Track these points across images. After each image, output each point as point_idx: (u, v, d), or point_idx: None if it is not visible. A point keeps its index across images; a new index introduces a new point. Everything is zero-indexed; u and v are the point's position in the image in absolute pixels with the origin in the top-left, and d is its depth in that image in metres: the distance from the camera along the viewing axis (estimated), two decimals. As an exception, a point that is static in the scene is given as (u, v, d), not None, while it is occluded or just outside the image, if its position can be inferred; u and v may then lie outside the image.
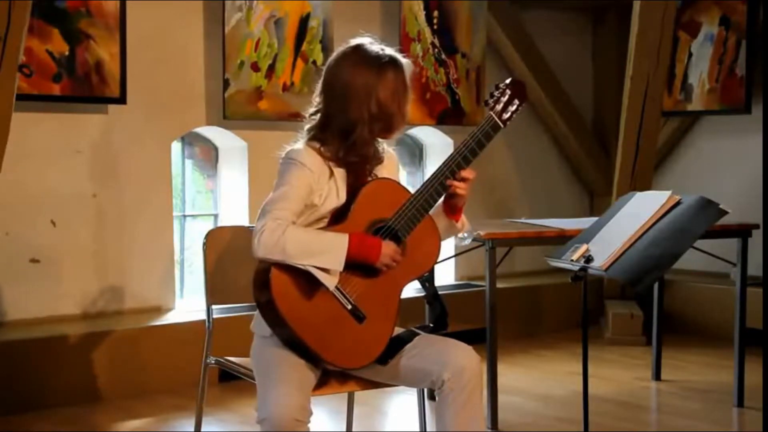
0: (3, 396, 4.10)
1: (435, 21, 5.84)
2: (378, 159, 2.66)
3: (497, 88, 2.67)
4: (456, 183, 2.58)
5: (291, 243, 2.42)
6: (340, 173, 2.58)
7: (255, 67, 5.07)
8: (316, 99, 2.64)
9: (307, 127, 2.64)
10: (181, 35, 4.97)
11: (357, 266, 2.49)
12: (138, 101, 4.77)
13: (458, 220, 2.70)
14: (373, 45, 2.62)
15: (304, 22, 5.26)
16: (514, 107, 2.66)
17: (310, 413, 2.37)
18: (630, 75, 5.63)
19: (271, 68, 5.13)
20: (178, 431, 4.00)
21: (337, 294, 2.48)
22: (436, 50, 5.86)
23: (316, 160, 2.55)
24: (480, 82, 6.07)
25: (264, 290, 2.45)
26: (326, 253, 2.43)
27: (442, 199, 2.65)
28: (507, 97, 2.65)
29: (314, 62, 5.26)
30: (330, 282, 2.44)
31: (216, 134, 5.30)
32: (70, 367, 4.31)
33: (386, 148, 2.73)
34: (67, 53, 4.49)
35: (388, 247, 2.50)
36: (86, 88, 4.56)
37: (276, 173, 2.59)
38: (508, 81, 2.70)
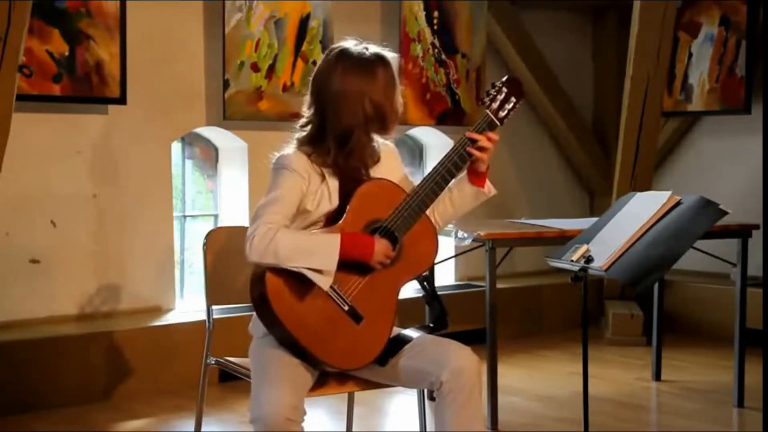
0: (3, 396, 4.10)
1: (435, 21, 5.84)
2: (374, 159, 2.66)
3: (493, 86, 2.68)
4: (474, 151, 2.60)
5: (282, 246, 2.41)
6: (332, 178, 2.57)
7: (255, 68, 5.07)
8: (306, 111, 2.63)
9: (297, 136, 2.62)
10: (181, 35, 4.97)
11: (352, 266, 2.49)
12: (138, 101, 4.77)
13: (483, 185, 2.71)
14: (356, 47, 2.61)
15: (304, 22, 5.26)
16: (511, 105, 2.66)
17: (304, 413, 2.36)
18: (630, 75, 5.63)
19: (271, 68, 5.13)
20: (178, 431, 4.00)
21: (333, 295, 2.47)
22: (436, 50, 5.85)
23: (306, 165, 2.55)
24: (480, 82, 6.07)
25: (259, 292, 2.45)
26: (318, 254, 2.43)
27: (465, 168, 2.67)
28: (503, 95, 2.66)
29: (314, 62, 5.25)
30: (324, 282, 2.43)
31: (216, 134, 5.30)
32: (70, 368, 4.30)
33: (384, 141, 2.72)
34: (67, 53, 4.49)
35: (380, 245, 2.50)
36: (86, 89, 4.56)
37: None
38: (504, 79, 2.70)
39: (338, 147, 2.56)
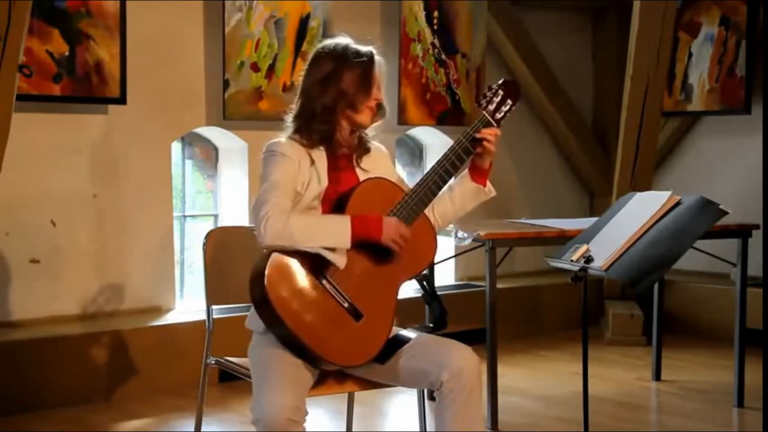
0: (3, 396, 4.10)
1: (435, 21, 5.84)
2: (362, 147, 2.73)
3: (490, 89, 2.73)
4: (485, 143, 2.66)
5: (297, 227, 2.47)
6: (320, 160, 2.64)
7: (255, 68, 5.07)
8: (295, 104, 2.73)
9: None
10: (181, 35, 4.97)
11: (353, 263, 2.52)
12: (138, 101, 4.77)
13: (485, 183, 2.75)
14: (338, 41, 2.70)
15: (304, 22, 5.26)
16: (507, 107, 2.71)
17: (305, 413, 2.37)
18: (630, 75, 5.63)
19: (271, 68, 5.13)
20: (178, 431, 4.00)
21: (333, 292, 2.49)
22: (436, 50, 5.85)
23: (295, 149, 2.63)
24: (480, 82, 6.07)
25: (260, 291, 2.46)
26: (332, 233, 2.49)
27: (467, 163, 2.71)
28: (499, 97, 2.71)
29: (314, 62, 5.26)
30: (340, 261, 2.49)
31: (216, 134, 5.30)
32: (70, 368, 4.31)
33: (376, 144, 2.80)
34: (67, 53, 4.49)
35: (390, 221, 2.54)
36: (86, 89, 4.56)
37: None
38: (500, 82, 2.75)
39: (311, 121, 2.64)
